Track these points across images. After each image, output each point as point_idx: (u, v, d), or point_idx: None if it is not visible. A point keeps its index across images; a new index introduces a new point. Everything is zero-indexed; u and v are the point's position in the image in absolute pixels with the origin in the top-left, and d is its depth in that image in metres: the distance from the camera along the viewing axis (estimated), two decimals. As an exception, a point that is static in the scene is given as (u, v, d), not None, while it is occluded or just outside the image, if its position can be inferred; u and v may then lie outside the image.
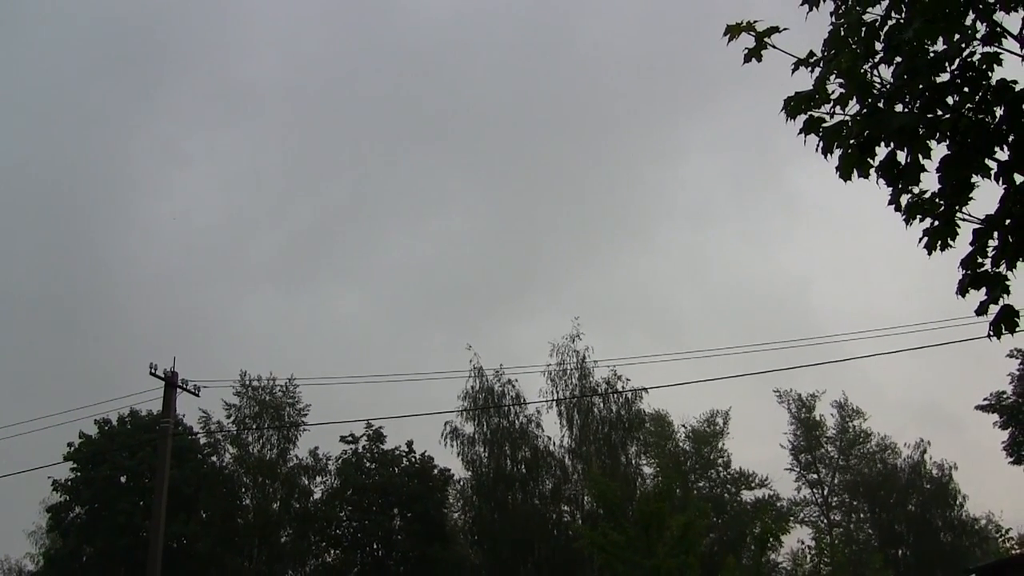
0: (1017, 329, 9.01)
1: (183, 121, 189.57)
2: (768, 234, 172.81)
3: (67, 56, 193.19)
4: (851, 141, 9.13)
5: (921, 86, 8.72)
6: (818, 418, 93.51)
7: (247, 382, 70.36)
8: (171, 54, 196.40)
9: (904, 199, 9.17)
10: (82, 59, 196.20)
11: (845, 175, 9.25)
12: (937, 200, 9.11)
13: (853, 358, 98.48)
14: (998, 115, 8.62)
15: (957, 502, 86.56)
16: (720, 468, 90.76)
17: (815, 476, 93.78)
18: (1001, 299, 8.98)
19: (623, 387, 70.93)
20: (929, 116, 8.75)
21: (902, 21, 8.86)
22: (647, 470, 78.86)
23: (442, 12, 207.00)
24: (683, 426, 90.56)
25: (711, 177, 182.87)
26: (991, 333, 9.10)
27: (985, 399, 68.31)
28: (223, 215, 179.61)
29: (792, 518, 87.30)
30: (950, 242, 9.12)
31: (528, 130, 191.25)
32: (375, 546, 71.68)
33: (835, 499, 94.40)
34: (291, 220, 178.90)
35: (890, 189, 9.25)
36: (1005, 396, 67.29)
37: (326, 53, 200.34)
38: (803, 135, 9.43)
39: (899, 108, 8.91)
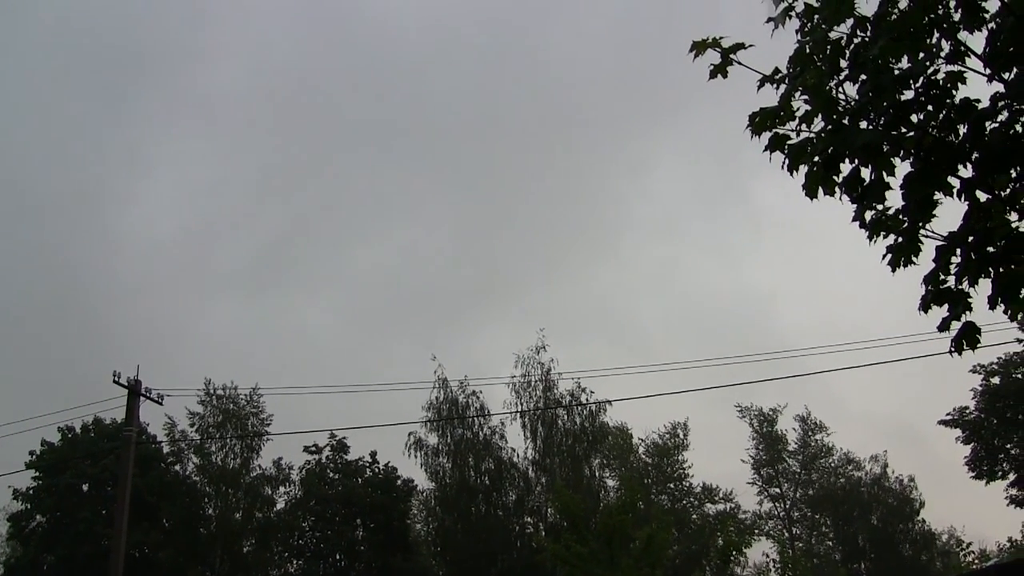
0: (979, 345, 9.09)
1: (150, 129, 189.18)
2: (734, 248, 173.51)
3: (34, 63, 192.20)
4: (816, 158, 9.19)
5: (886, 103, 8.80)
6: (780, 432, 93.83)
7: (211, 391, 70.12)
8: (139, 62, 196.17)
9: (868, 215, 9.25)
10: (49, 66, 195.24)
11: (811, 193, 9.30)
12: (901, 217, 9.19)
13: (816, 372, 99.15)
14: (961, 133, 8.72)
15: (919, 516, 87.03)
16: (679, 481, 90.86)
17: (777, 490, 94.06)
18: (963, 316, 9.07)
19: (587, 399, 71.00)
20: (893, 133, 8.83)
21: (867, 39, 8.94)
22: (611, 483, 79.00)
23: (410, 23, 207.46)
24: (641, 440, 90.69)
25: (677, 190, 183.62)
26: (952, 350, 9.19)
27: (948, 414, 68.86)
28: (189, 223, 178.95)
29: (757, 531, 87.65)
30: (913, 259, 9.20)
31: (495, 141, 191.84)
32: (338, 556, 71.45)
33: (797, 513, 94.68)
34: (256, 229, 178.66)
35: (855, 205, 9.34)
36: (968, 411, 67.80)
37: (293, 63, 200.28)
38: (768, 152, 9.49)
39: (864, 125, 8.98)
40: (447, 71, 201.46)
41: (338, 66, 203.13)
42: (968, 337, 9.04)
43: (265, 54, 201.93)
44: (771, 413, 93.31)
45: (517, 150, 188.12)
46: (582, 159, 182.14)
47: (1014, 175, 8.70)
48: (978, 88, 8.69)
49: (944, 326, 9.13)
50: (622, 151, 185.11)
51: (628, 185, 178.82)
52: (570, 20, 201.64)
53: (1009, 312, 8.95)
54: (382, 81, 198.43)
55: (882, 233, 9.29)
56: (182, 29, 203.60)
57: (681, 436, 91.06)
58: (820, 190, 9.28)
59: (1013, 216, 8.80)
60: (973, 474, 68.45)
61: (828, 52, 9.15)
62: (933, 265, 9.18)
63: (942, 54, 8.69)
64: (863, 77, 8.96)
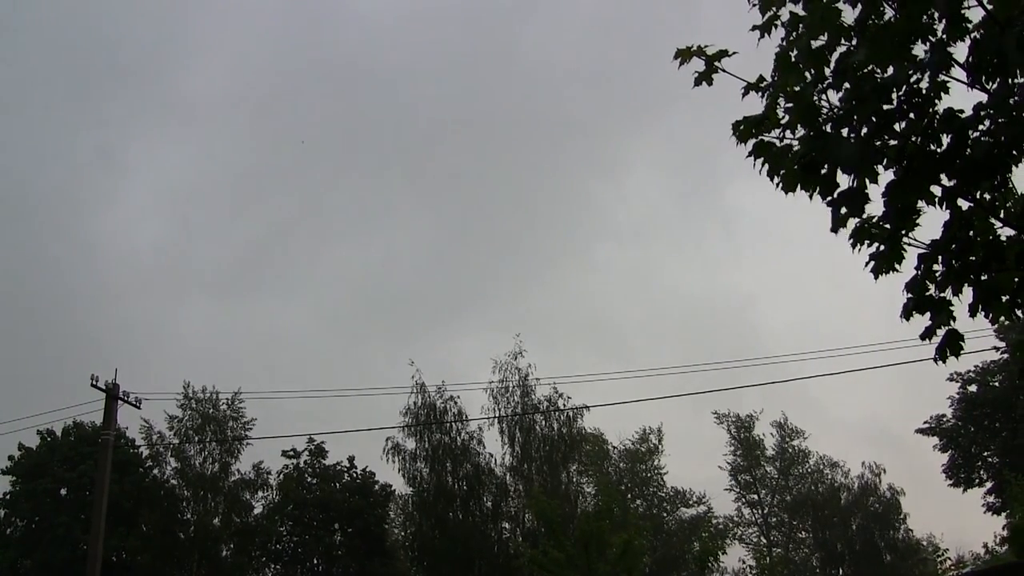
0: (962, 352, 9.16)
1: (126, 132, 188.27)
2: (712, 252, 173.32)
3: (9, 64, 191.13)
4: (795, 165, 9.22)
5: (869, 112, 8.85)
6: (757, 438, 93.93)
7: (190, 395, 69.85)
8: (116, 65, 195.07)
9: (852, 223, 9.28)
10: (24, 68, 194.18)
11: (789, 187, 9.33)
12: (884, 224, 9.23)
13: (796, 379, 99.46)
14: (944, 142, 8.76)
15: (903, 525, 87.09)
16: (655, 487, 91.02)
17: (755, 496, 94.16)
18: (947, 324, 9.12)
19: (565, 405, 70.97)
20: (877, 143, 8.88)
21: (851, 48, 8.99)
22: (588, 488, 79.03)
23: (387, 25, 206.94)
24: (613, 447, 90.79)
25: (655, 194, 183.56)
26: (937, 357, 9.24)
27: (925, 422, 69.21)
28: (166, 227, 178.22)
29: (731, 536, 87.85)
30: (896, 266, 9.26)
31: (472, 145, 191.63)
32: (315, 561, 71.46)
33: (774, 519, 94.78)
34: (234, 233, 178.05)
35: (831, 211, 9.37)
36: (945, 419, 68.14)
37: (271, 66, 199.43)
38: (753, 158, 9.51)
39: (846, 133, 9.03)
40: (423, 76, 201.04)
41: (315, 70, 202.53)
42: (952, 345, 9.09)
43: (243, 58, 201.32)
44: (748, 419, 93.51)
45: (494, 153, 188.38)
46: (558, 162, 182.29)
47: (995, 183, 8.77)
48: (960, 98, 8.77)
49: (928, 334, 9.18)
50: (598, 154, 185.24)
51: (606, 188, 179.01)
52: (549, 21, 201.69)
53: (991, 316, 9.02)
54: (358, 85, 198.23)
55: (866, 241, 9.34)
56: (160, 31, 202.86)
57: (655, 441, 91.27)
58: (798, 186, 9.30)
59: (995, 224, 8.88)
60: (951, 482, 68.77)
61: (812, 60, 9.17)
62: (914, 272, 9.24)
63: (926, 63, 8.72)
64: (846, 85, 9.01)
